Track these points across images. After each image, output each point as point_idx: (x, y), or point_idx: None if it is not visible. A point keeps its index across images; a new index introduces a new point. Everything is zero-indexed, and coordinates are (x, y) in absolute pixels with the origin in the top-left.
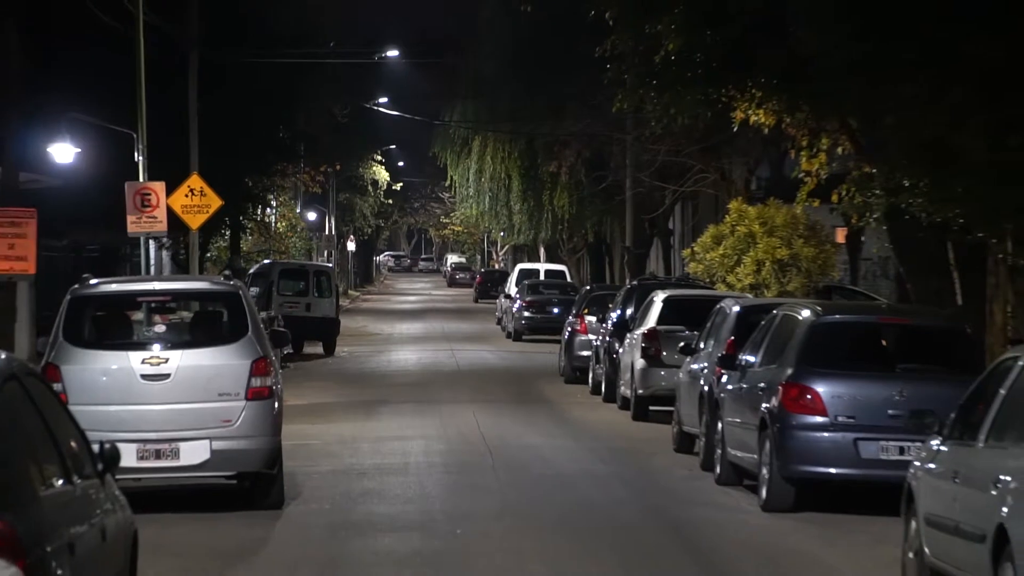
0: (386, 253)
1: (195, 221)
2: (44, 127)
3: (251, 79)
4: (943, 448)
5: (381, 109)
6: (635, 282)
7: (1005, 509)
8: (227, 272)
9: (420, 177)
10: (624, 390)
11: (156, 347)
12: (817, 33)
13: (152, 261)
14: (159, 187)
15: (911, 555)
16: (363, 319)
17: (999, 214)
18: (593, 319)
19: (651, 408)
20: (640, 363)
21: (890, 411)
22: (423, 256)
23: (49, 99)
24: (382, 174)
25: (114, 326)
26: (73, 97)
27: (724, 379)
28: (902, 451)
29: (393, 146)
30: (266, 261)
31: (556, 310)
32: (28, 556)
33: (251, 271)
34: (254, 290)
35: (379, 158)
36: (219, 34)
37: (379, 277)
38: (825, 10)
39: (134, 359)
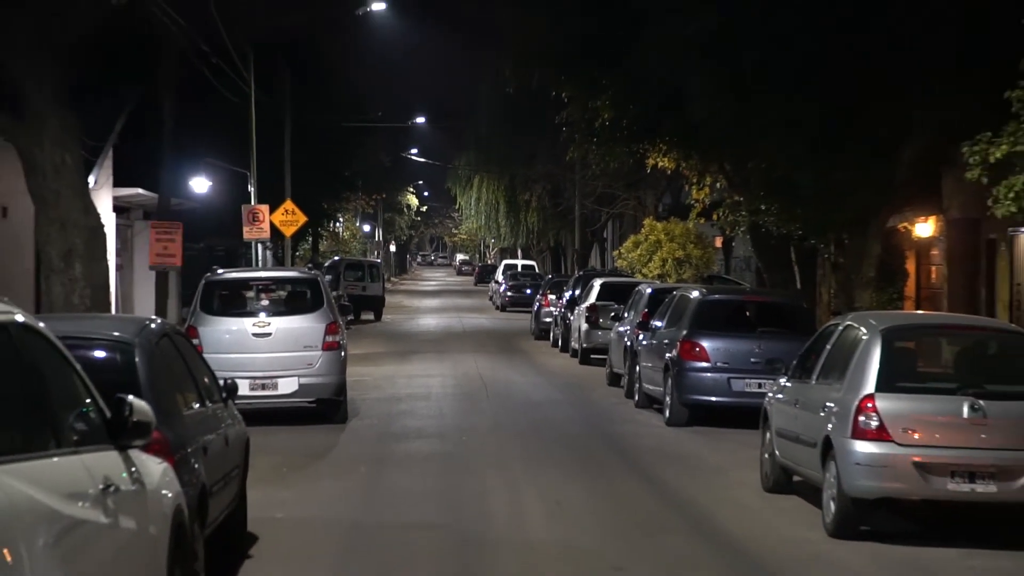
0: (418, 253)
1: (288, 231)
2: (188, 168)
3: (326, 135)
4: (788, 384)
5: (412, 157)
6: (581, 272)
7: (829, 425)
8: (310, 265)
9: (438, 202)
10: (574, 344)
11: (262, 315)
12: (701, 108)
13: (259, 257)
14: (264, 208)
15: (766, 456)
16: (400, 297)
17: (824, 228)
18: (553, 297)
19: (591, 356)
20: (584, 326)
21: (752, 359)
22: (440, 255)
23: (191, 149)
24: (413, 200)
25: (234, 301)
26: (206, 147)
27: (640, 337)
28: (760, 386)
29: (420, 181)
30: (336, 258)
31: (528, 291)
32: (175, 455)
33: (326, 264)
34: (328, 277)
35: (411, 190)
36: (305, 105)
37: (411, 269)
38: (706, 94)
39: (247, 323)
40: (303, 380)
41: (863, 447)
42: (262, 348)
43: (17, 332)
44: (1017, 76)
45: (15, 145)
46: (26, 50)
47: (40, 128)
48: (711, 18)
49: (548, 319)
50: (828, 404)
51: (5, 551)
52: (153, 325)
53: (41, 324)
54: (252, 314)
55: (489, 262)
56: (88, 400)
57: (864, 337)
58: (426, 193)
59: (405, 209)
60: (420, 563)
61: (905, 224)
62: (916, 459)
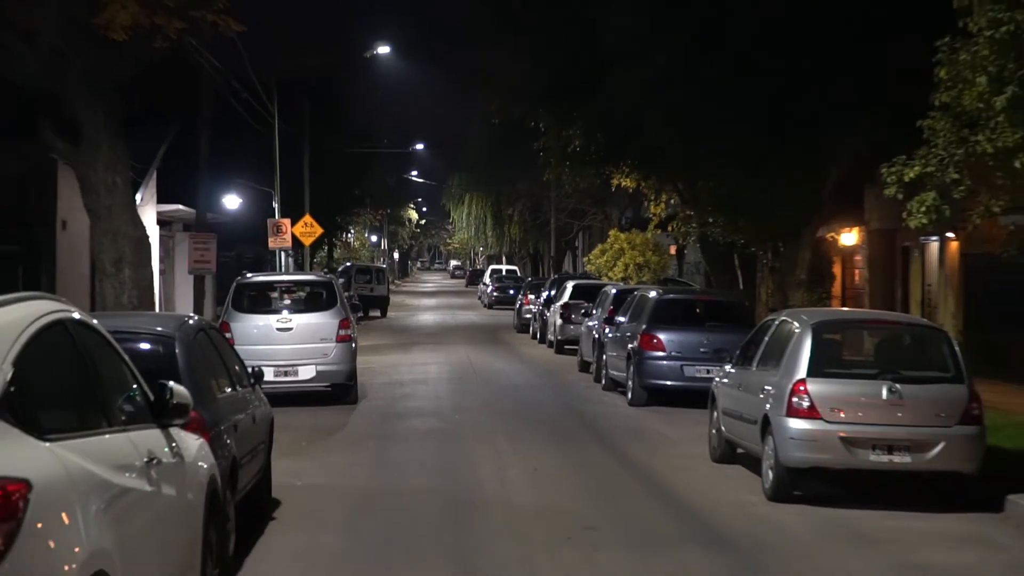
0: (418, 260)
1: (307, 241)
2: (221, 187)
3: (339, 159)
4: (732, 370)
5: (412, 178)
6: (556, 276)
7: (768, 405)
8: (325, 270)
9: (435, 216)
10: (550, 336)
11: (285, 312)
12: (656, 137)
13: (282, 263)
14: (287, 221)
15: (714, 431)
16: (402, 296)
17: (763, 238)
18: (532, 296)
19: (565, 347)
20: (559, 321)
21: (701, 349)
22: (436, 261)
23: (224, 171)
24: (413, 215)
25: (261, 300)
26: (237, 170)
27: (607, 331)
28: (708, 372)
29: (419, 199)
30: (348, 264)
31: (511, 291)
32: (210, 432)
33: (339, 269)
34: (341, 280)
35: (412, 206)
36: (321, 133)
37: (411, 273)
38: (662, 126)
39: (272, 319)
40: (320, 368)
41: (796, 424)
42: (285, 340)
43: (73, 327)
44: (928, 108)
45: (73, 168)
46: (83, 87)
47: (95, 153)
48: (661, 63)
49: (528, 315)
50: (766, 387)
51: (64, 515)
52: (191, 321)
53: (94, 320)
54: (276, 312)
55: (478, 267)
56: (134, 385)
57: (797, 330)
58: (424, 208)
59: (407, 222)
60: (420, 522)
61: (832, 234)
62: (842, 434)
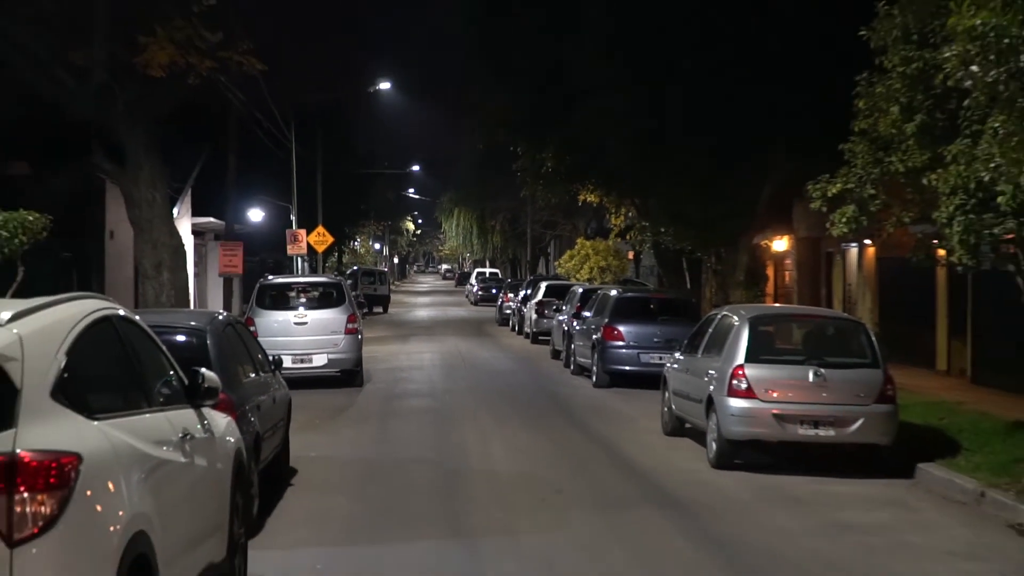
0: (414, 264)
1: (320, 248)
2: (246, 202)
3: (347, 178)
4: (680, 357)
5: (410, 195)
6: (532, 277)
7: (711, 387)
8: (336, 273)
9: (429, 227)
10: (526, 329)
11: (301, 309)
12: (616, 160)
13: (299, 267)
14: (302, 232)
15: (665, 409)
16: (401, 295)
17: (707, 245)
18: (511, 295)
19: (539, 338)
20: (534, 316)
21: (654, 339)
22: (430, 265)
23: (248, 188)
24: (410, 226)
25: (280, 299)
26: (260, 187)
27: (575, 323)
28: (660, 359)
29: (416, 212)
30: (355, 267)
31: (494, 291)
32: (237, 411)
33: (347, 272)
34: (349, 281)
35: (409, 218)
36: (332, 155)
37: (409, 275)
38: (622, 151)
39: (290, 315)
40: (331, 356)
41: (735, 403)
42: (301, 333)
43: (118, 322)
44: (849, 133)
45: (119, 186)
46: (127, 117)
47: (137, 173)
48: (621, 97)
49: (508, 311)
50: (710, 371)
51: (109, 483)
52: (220, 316)
53: (136, 316)
54: (293, 308)
55: (466, 270)
56: (171, 372)
57: (736, 323)
58: (420, 220)
59: (405, 232)
60: (416, 487)
61: (766, 241)
62: (775, 412)
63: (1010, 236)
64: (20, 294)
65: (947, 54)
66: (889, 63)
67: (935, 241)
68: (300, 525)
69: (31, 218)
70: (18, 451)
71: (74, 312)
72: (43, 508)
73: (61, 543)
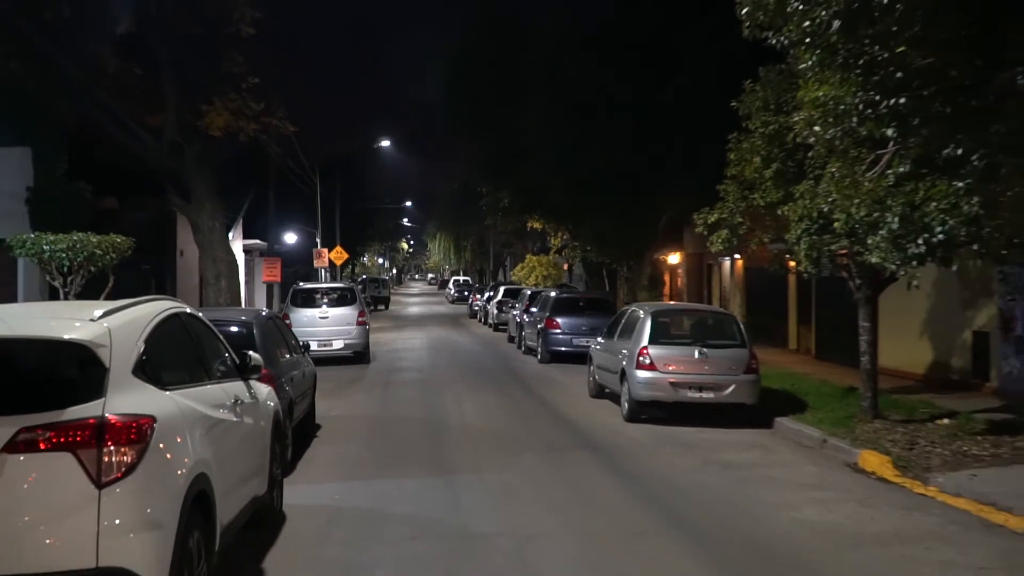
0: (408, 274)
1: (339, 262)
2: (283, 227)
3: (358, 210)
4: (601, 341)
5: (405, 224)
6: (493, 283)
7: (624, 362)
8: (350, 280)
9: (418, 247)
10: (490, 321)
11: (324, 307)
12: (556, 198)
13: (322, 276)
14: (325, 250)
15: (591, 379)
16: (398, 297)
17: (620, 259)
18: (479, 296)
19: (499, 327)
20: (495, 311)
21: (583, 327)
22: (420, 275)
23: (284, 218)
24: (405, 246)
25: (309, 299)
26: (292, 217)
27: (525, 316)
28: (587, 342)
29: (409, 236)
30: (364, 276)
31: (466, 293)
32: (276, 382)
33: (359, 280)
34: (360, 287)
35: (404, 240)
36: (346, 192)
37: (404, 282)
38: (560, 190)
39: (316, 312)
40: (346, 341)
41: (642, 374)
42: (324, 324)
43: (185, 317)
44: (723, 177)
45: (186, 216)
46: (193, 166)
47: (200, 207)
48: (560, 150)
49: (476, 307)
50: (623, 351)
51: (177, 438)
52: (264, 313)
53: (199, 313)
54: (318, 306)
55: (445, 278)
56: (226, 354)
57: (642, 316)
58: (412, 241)
59: (401, 250)
60: (411, 436)
61: (663, 256)
62: (671, 380)
63: (843, 252)
64: (110, 298)
65: (796, 118)
66: (753, 125)
67: (787, 255)
68: (323, 467)
69: (119, 240)
70: (107, 415)
71: (151, 310)
72: (125, 458)
73: (139, 484)
